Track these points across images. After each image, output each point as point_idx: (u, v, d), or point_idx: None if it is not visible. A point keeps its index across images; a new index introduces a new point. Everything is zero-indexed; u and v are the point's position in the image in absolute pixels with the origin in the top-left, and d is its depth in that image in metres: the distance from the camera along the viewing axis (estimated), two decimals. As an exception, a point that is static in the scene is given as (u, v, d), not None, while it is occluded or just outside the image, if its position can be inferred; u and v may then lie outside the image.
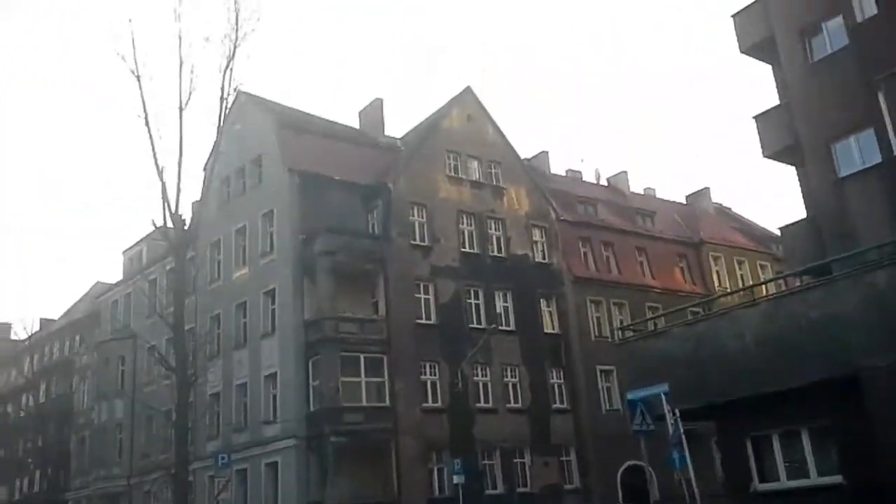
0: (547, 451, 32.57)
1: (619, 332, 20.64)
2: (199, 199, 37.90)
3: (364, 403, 28.87)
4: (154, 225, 30.95)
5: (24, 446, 54.67)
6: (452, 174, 34.67)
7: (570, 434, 33.66)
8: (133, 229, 68.20)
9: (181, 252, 30.96)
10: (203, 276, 34.74)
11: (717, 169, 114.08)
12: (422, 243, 32.59)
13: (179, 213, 31.69)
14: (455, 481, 27.79)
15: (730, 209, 53.91)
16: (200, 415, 31.17)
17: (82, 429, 43.88)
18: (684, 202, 49.89)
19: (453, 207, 33.95)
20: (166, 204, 30.99)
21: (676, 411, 14.79)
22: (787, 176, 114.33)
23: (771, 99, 24.05)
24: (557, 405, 33.91)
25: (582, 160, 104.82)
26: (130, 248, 43.34)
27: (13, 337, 73.68)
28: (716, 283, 41.99)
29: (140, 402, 37.30)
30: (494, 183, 35.90)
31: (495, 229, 35.07)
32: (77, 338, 49.73)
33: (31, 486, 52.30)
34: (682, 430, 14.81)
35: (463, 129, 35.83)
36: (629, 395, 16.55)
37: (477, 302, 33.26)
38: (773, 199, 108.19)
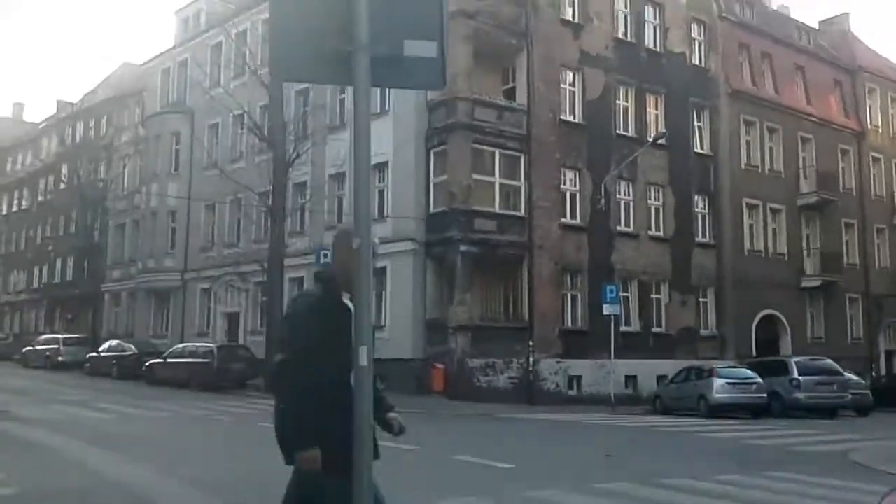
0: (686, 289, 27.65)
1: None
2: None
3: (497, 209, 23.40)
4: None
5: (42, 233, 49.81)
6: (611, -66, 27.49)
7: (711, 273, 28.62)
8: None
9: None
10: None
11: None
12: (572, 20, 26.03)
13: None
14: (606, 311, 22.68)
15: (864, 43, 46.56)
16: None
17: (121, 215, 38.49)
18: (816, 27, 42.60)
19: (609, -21, 27.10)
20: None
21: None
22: None
23: None
24: (700, 238, 28.66)
25: None
26: (185, 7, 35.85)
27: (26, 119, 67.39)
28: (868, 120, 35.90)
29: (199, 186, 31.67)
30: (656, -46, 28.77)
31: (653, 17, 28.43)
32: (104, 119, 43.22)
33: (51, 275, 47.78)
34: None
35: None
36: None
37: (626, 104, 27.23)
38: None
